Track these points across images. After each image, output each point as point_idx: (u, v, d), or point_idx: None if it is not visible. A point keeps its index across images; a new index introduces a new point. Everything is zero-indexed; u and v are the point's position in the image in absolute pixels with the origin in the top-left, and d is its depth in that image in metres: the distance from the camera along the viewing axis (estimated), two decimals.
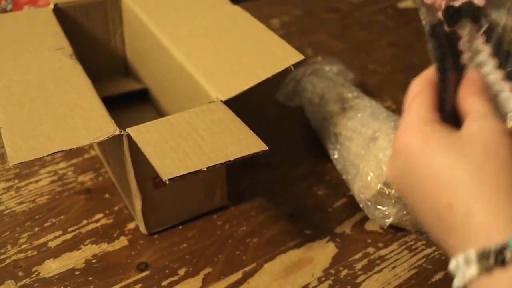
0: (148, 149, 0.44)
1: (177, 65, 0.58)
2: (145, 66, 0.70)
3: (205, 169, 0.42)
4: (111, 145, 0.57)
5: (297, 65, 0.53)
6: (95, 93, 0.52)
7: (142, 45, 0.69)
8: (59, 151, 0.45)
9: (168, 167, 0.42)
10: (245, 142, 0.45)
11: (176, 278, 0.52)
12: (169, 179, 0.41)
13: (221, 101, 0.51)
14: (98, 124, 0.48)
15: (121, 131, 0.47)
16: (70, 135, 0.46)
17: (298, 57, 0.53)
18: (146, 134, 0.46)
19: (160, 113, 0.69)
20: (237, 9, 0.63)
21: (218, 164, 0.43)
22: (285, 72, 0.53)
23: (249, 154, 0.44)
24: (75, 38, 0.63)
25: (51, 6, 0.66)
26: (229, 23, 0.61)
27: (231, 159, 0.43)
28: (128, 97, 0.71)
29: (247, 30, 0.59)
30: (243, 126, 0.47)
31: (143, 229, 0.56)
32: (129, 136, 0.47)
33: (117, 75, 0.76)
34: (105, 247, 0.55)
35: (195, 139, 0.45)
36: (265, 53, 0.55)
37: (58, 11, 0.66)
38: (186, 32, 0.61)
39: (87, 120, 0.48)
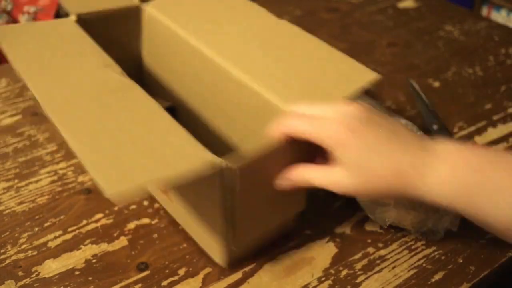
0: None
1: (237, 82, 0.54)
2: (175, 82, 0.65)
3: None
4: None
5: None
6: (170, 116, 0.46)
7: (173, 60, 0.63)
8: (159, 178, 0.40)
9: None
10: None
11: (176, 278, 0.52)
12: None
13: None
14: (189, 151, 0.42)
15: (227, 163, 0.42)
16: (162, 163, 0.41)
17: (371, 75, 0.54)
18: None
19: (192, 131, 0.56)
20: (284, 23, 0.61)
21: None
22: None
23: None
24: None
25: (73, 17, 0.61)
26: (278, 35, 0.59)
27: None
28: None
29: (304, 46, 0.59)
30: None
31: (222, 262, 0.52)
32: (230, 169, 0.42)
33: None
34: (105, 247, 0.55)
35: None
36: (334, 72, 0.54)
37: (81, 22, 0.60)
38: (236, 46, 0.57)
39: (176, 147, 0.43)
